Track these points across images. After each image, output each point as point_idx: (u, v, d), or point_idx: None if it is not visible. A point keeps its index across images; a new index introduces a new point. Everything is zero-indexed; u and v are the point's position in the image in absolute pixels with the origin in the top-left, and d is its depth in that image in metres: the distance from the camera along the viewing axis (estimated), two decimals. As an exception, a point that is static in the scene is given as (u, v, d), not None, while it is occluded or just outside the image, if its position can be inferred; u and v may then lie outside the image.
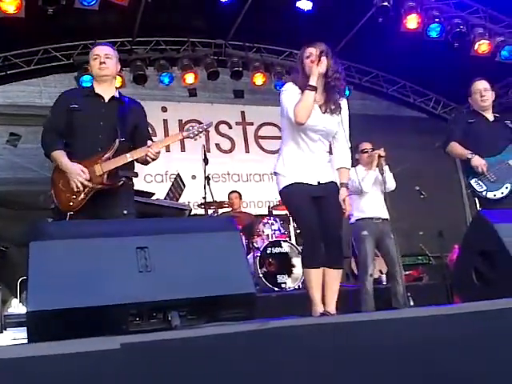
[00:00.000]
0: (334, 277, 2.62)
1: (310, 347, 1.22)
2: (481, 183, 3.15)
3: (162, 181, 6.45)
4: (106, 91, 2.57)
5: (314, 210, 2.57)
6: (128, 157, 2.47)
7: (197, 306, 1.53)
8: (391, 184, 3.96)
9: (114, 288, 1.44)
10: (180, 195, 4.68)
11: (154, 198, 3.93)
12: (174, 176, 5.16)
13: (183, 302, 1.50)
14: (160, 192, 4.62)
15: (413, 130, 7.42)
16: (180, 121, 6.73)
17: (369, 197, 3.89)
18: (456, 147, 3.26)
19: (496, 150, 3.20)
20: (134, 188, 2.68)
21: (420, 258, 5.99)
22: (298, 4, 5.56)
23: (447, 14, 5.76)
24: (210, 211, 5.05)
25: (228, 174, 6.82)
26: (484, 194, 3.13)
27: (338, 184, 2.68)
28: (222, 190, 5.83)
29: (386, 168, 3.89)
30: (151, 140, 2.64)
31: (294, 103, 2.56)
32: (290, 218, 5.22)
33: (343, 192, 2.65)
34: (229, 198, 5.63)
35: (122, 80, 6.19)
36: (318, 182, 2.61)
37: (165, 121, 6.70)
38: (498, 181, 3.12)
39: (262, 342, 1.19)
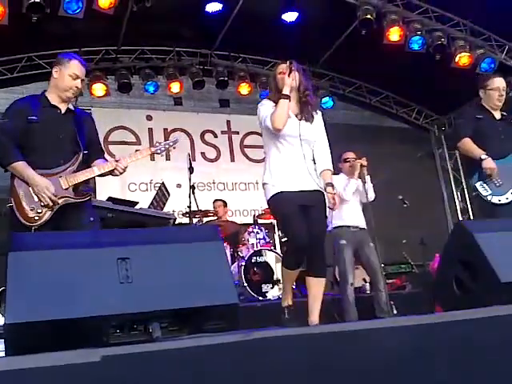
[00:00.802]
0: (318, 286, 2.69)
1: (294, 358, 1.22)
2: (486, 187, 3.08)
3: (147, 189, 6.40)
4: (62, 103, 2.54)
5: (301, 217, 2.62)
6: (95, 171, 2.47)
7: (179, 318, 1.52)
8: (371, 195, 3.97)
9: (95, 299, 1.42)
10: (164, 204, 4.66)
11: (138, 206, 3.91)
12: (159, 185, 5.13)
13: (165, 314, 1.49)
14: (144, 201, 4.59)
15: (395, 140, 7.54)
16: (165, 129, 6.71)
17: (347, 205, 3.91)
18: (470, 145, 3.15)
19: (502, 153, 3.13)
20: (118, 197, 2.67)
21: (403, 266, 6.03)
22: (283, 16, 5.63)
23: (429, 26, 5.89)
24: (194, 220, 5.02)
25: (213, 183, 6.81)
26: (489, 198, 3.06)
27: (323, 190, 2.76)
28: (208, 198, 5.82)
29: (367, 178, 3.92)
30: (103, 151, 2.68)
31: (271, 113, 2.68)
32: (275, 226, 5.24)
33: (330, 190, 2.76)
34: (213, 207, 5.62)
35: (107, 88, 6.16)
36: (304, 190, 2.67)
37: (150, 129, 6.68)
38: (503, 185, 3.05)
39: (246, 353, 1.19)
